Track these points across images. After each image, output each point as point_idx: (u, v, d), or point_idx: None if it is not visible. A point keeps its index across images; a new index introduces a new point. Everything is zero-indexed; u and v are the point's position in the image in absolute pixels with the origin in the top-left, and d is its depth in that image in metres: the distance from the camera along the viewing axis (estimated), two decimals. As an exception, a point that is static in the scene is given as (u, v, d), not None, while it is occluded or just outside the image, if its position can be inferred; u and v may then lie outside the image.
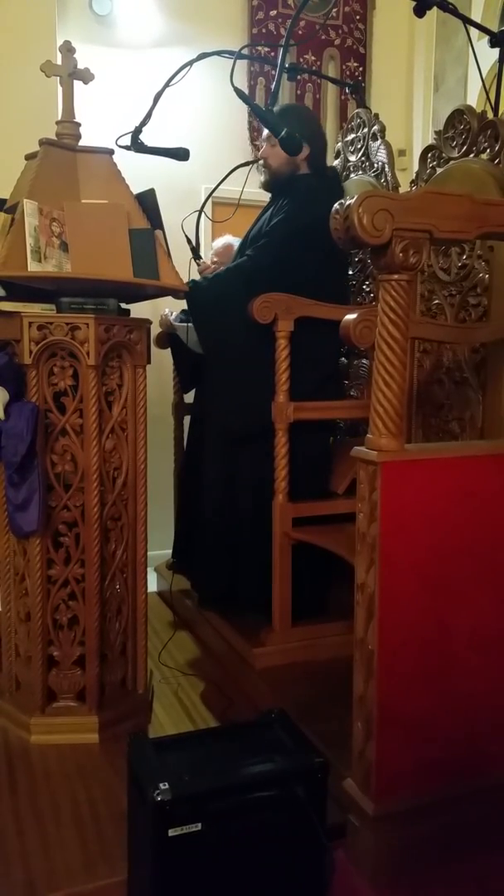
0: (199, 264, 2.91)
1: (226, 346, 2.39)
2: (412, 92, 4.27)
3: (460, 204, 1.27)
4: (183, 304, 2.69)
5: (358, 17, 4.16)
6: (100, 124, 2.67)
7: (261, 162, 2.58)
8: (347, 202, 1.21)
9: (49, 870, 1.56)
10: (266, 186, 2.63)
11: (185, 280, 2.21)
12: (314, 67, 4.05)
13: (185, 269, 2.55)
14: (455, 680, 1.46)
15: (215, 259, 3.18)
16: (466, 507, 1.41)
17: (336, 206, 1.25)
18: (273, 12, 3.99)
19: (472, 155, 2.08)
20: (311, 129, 2.51)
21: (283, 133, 2.13)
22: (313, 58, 4.08)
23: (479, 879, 1.43)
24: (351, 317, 1.69)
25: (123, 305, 2.12)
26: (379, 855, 1.40)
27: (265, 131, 2.57)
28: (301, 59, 4.03)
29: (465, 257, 2.10)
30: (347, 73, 4.17)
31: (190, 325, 2.52)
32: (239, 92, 2.29)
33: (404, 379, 1.31)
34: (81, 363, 1.96)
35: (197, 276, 2.79)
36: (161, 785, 1.35)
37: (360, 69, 4.19)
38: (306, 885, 1.45)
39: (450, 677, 1.45)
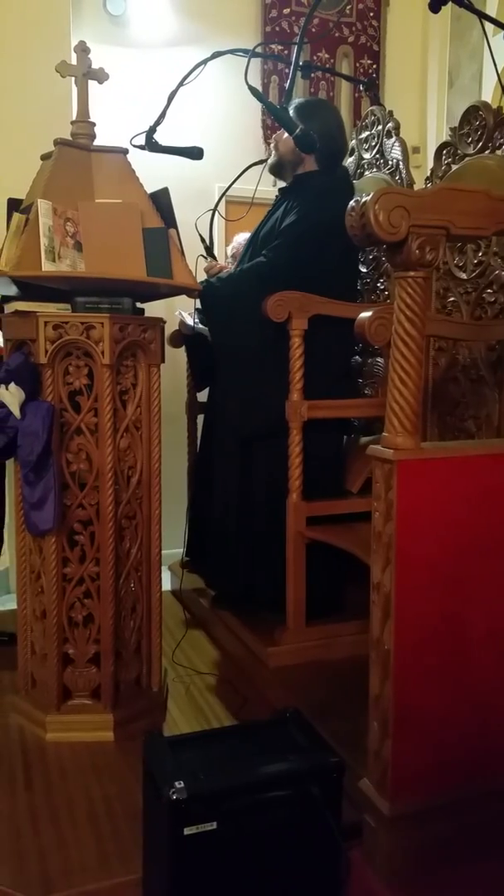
0: (206, 260, 2.90)
1: (238, 345, 2.39)
2: (426, 88, 4.24)
3: (477, 200, 1.26)
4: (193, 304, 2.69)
5: (371, 14, 4.13)
6: (113, 124, 2.68)
7: (272, 144, 2.58)
8: (364, 199, 1.21)
9: (65, 867, 1.56)
10: (272, 169, 2.62)
11: (199, 279, 2.21)
12: (328, 65, 4.03)
13: (199, 268, 2.55)
14: (472, 680, 1.45)
15: (234, 253, 3.18)
16: (483, 505, 1.40)
17: (352, 202, 1.24)
18: (286, 10, 3.97)
19: (487, 151, 2.06)
20: (326, 127, 2.48)
21: (297, 131, 2.12)
22: (327, 55, 4.06)
23: (496, 880, 1.41)
24: (366, 315, 1.68)
25: (138, 304, 2.12)
26: (395, 855, 1.39)
27: None
28: (315, 57, 4.01)
29: (481, 254, 2.08)
30: (361, 70, 4.15)
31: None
32: (253, 90, 2.29)
33: (420, 377, 1.30)
34: (96, 362, 1.97)
35: (205, 274, 2.79)
36: (176, 783, 1.35)
37: (374, 66, 4.17)
38: (321, 884, 1.45)
39: (466, 677, 1.44)
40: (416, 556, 1.35)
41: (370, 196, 1.20)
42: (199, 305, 2.68)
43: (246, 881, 1.41)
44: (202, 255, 2.82)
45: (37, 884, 1.52)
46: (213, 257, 2.91)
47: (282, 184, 2.68)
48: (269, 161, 2.60)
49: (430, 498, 1.34)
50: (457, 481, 1.36)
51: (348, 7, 4.06)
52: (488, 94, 3.71)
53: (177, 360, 3.05)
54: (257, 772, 1.43)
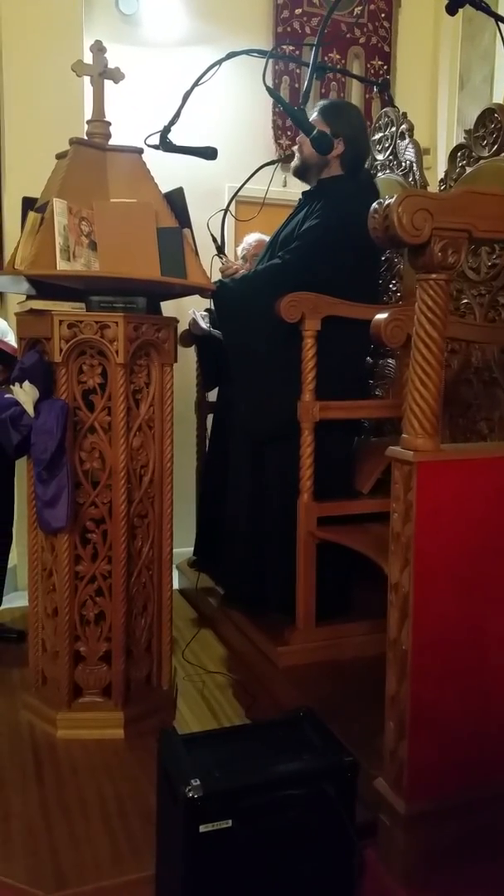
0: (221, 260, 2.90)
1: (251, 347, 2.39)
2: (437, 90, 4.23)
3: (500, 203, 1.26)
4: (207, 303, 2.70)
5: (383, 15, 4.13)
6: (123, 123, 2.67)
7: (295, 147, 2.58)
8: (387, 201, 1.21)
9: (78, 864, 1.57)
10: (295, 172, 2.61)
11: (213, 280, 2.22)
12: (339, 66, 4.03)
13: (212, 268, 2.55)
14: (489, 680, 1.45)
15: (245, 254, 3.19)
16: (502, 507, 1.40)
17: (375, 205, 1.25)
18: (298, 11, 3.97)
19: (503, 154, 2.07)
20: (352, 130, 2.47)
21: (314, 133, 2.12)
22: (338, 56, 4.07)
23: (511, 881, 1.42)
24: (382, 316, 1.69)
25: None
26: (410, 854, 1.40)
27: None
28: (326, 58, 4.00)
29: (495, 256, 2.09)
30: (372, 71, 4.14)
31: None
32: (271, 91, 2.30)
33: (441, 379, 1.31)
34: (110, 361, 1.97)
35: (219, 274, 2.79)
36: (192, 781, 1.35)
37: (385, 67, 4.16)
38: (336, 883, 1.45)
39: (484, 677, 1.45)
40: (435, 557, 1.35)
41: (394, 198, 1.21)
42: (211, 307, 2.68)
43: (260, 879, 1.41)
44: (217, 255, 2.82)
45: (50, 880, 1.53)
46: (225, 257, 2.91)
47: (302, 186, 2.67)
48: (293, 164, 2.59)
49: (449, 499, 1.35)
50: (476, 483, 1.37)
51: (359, 8, 4.05)
52: (499, 97, 3.71)
53: (186, 360, 3.06)
54: (272, 770, 1.44)
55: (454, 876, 1.41)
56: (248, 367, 2.42)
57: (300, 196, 2.67)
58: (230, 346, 2.45)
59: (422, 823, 1.40)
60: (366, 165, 2.78)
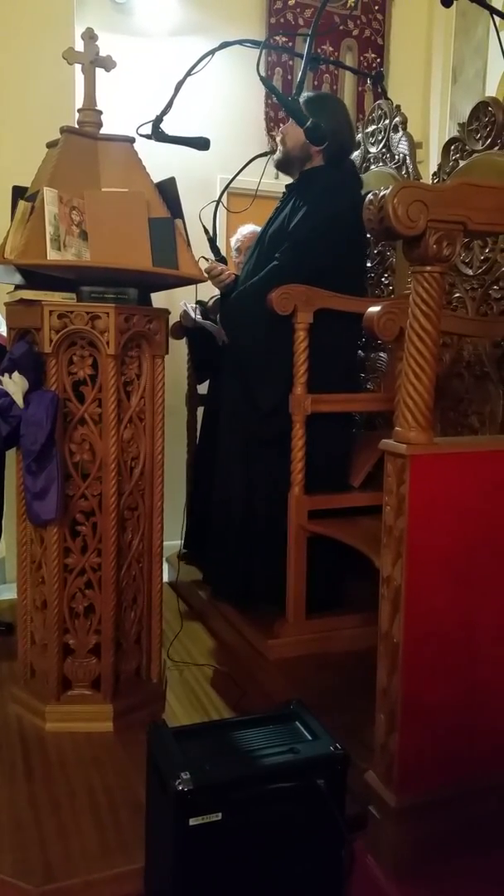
0: (208, 261, 2.87)
1: (268, 353, 2.36)
2: (430, 84, 4.23)
3: (496, 196, 1.26)
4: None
5: (377, 8, 4.12)
6: (116, 112, 2.64)
7: (278, 138, 2.56)
8: (382, 192, 1.20)
9: (66, 857, 1.56)
10: (278, 165, 2.59)
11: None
12: (332, 58, 4.02)
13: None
14: (480, 674, 1.46)
15: (239, 246, 3.17)
16: (494, 501, 1.40)
17: (370, 196, 1.24)
18: (291, 2, 3.94)
19: (496, 148, 2.06)
20: (336, 122, 2.44)
21: (308, 124, 2.11)
22: (331, 48, 4.05)
23: (500, 872, 1.43)
24: (374, 309, 1.68)
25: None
26: (400, 847, 1.40)
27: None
28: (319, 50, 3.99)
29: (487, 250, 2.09)
30: (365, 63, 4.13)
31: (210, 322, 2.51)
32: (265, 81, 2.27)
33: (435, 372, 1.31)
34: (101, 352, 1.95)
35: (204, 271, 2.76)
36: (182, 774, 1.35)
37: (378, 60, 4.15)
38: (326, 875, 1.45)
39: (475, 671, 1.45)
40: (427, 550, 1.35)
41: (389, 189, 1.20)
42: (201, 298, 2.67)
43: (250, 871, 1.41)
44: (204, 257, 2.80)
45: (38, 873, 1.52)
46: (217, 249, 2.89)
47: (286, 179, 2.66)
48: (276, 157, 2.57)
49: (442, 493, 1.35)
50: (469, 476, 1.37)
51: (352, 0, 4.03)
52: (492, 91, 3.71)
53: (176, 352, 3.04)
54: (262, 763, 1.43)
55: (444, 868, 1.41)
56: (265, 369, 2.39)
57: (283, 189, 2.64)
58: (242, 355, 2.43)
59: (412, 816, 1.41)
60: (357, 158, 2.77)
